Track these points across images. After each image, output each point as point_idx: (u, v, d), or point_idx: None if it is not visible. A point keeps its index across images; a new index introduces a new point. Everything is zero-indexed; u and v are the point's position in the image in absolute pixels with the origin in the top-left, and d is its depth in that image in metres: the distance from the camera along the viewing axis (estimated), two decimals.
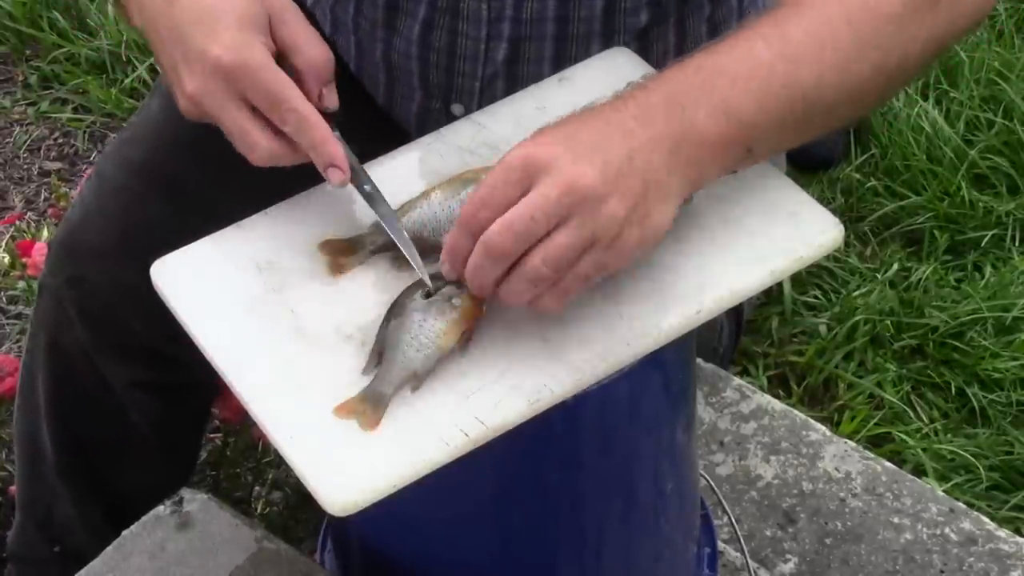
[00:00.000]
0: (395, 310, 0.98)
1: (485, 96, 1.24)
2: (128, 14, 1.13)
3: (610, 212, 0.91)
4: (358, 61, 1.34)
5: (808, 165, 2.28)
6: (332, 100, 1.08)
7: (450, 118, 1.22)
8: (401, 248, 1.02)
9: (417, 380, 0.95)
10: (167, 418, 1.44)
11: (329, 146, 1.03)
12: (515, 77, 1.24)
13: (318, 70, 1.07)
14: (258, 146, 1.03)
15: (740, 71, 0.98)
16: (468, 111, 1.23)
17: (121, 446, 1.45)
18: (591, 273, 0.94)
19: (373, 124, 1.35)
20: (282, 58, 1.06)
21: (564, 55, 1.23)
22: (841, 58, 1.00)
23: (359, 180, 1.06)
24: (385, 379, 0.95)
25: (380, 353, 0.97)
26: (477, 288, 0.95)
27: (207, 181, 1.32)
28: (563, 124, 0.96)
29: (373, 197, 1.05)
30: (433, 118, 1.27)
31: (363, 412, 0.94)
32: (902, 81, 1.07)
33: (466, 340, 0.97)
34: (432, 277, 0.99)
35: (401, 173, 1.09)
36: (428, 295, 0.98)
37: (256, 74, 1.02)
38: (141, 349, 1.35)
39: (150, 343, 1.34)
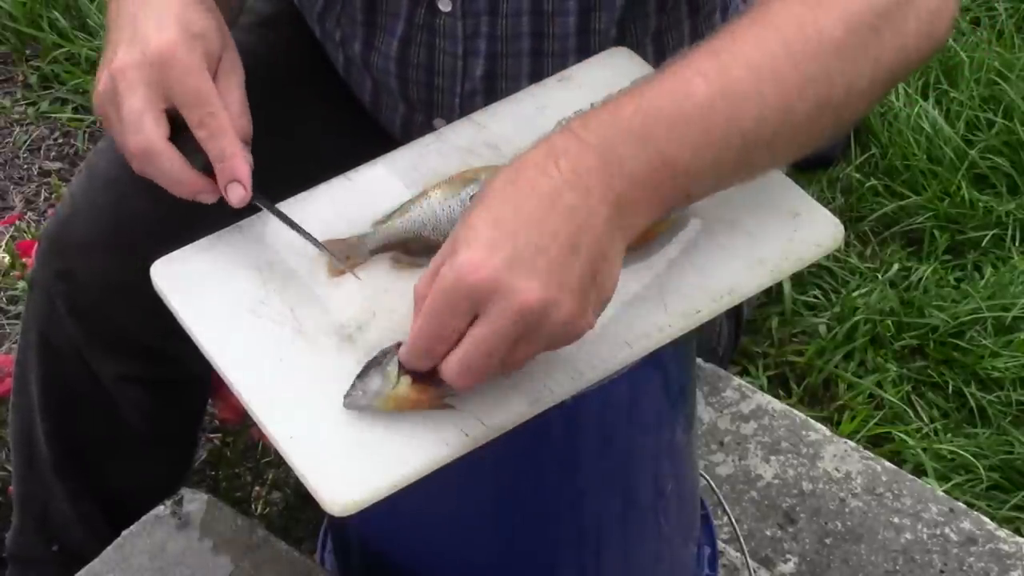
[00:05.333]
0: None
1: (465, 111, 1.19)
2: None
3: (564, 316, 0.88)
4: (346, 68, 1.34)
5: (808, 165, 2.27)
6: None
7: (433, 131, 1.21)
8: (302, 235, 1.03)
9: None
10: (160, 413, 1.44)
11: (237, 160, 1.02)
12: (494, 93, 1.23)
13: (241, 134, 1.05)
14: (144, 135, 1.02)
15: (678, 115, 0.93)
16: None
17: (114, 442, 1.45)
18: (544, 350, 0.92)
19: (361, 126, 1.35)
20: None
21: (541, 72, 1.22)
22: (783, 95, 0.95)
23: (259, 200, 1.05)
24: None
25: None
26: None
27: None
28: (493, 205, 0.90)
29: (279, 213, 1.05)
30: (417, 129, 1.27)
31: None
32: (851, 116, 1.01)
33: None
34: None
35: (401, 173, 1.09)
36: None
37: (190, 72, 1.02)
38: (130, 343, 1.35)
39: (140, 337, 1.34)
